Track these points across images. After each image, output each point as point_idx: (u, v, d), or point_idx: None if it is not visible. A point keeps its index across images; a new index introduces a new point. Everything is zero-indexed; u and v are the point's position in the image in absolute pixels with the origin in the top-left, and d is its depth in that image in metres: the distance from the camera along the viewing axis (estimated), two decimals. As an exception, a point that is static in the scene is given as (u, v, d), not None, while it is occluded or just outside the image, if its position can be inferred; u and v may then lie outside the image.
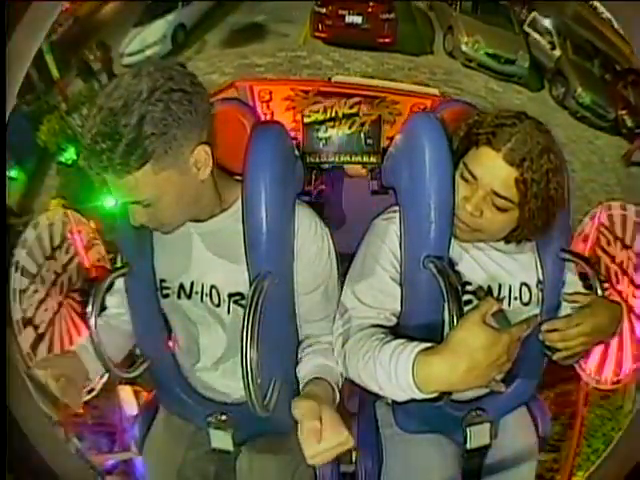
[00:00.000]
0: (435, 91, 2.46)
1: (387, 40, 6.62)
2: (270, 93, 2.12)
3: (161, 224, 0.93)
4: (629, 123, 6.41)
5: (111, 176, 0.82)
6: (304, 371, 1.02)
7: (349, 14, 6.51)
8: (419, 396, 0.81)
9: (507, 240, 1.03)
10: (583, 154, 5.83)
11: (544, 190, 0.92)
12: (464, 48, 6.66)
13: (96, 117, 0.79)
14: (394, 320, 1.02)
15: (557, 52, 6.92)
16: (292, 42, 6.72)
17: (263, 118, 2.01)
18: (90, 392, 1.30)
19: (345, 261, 1.10)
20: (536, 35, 7.13)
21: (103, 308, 1.16)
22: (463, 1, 7.09)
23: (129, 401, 1.77)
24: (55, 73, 5.32)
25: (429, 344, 0.82)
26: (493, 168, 0.92)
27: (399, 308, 1.02)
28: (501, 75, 6.55)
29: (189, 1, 6.72)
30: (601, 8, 7.38)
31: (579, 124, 6.32)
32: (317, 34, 6.65)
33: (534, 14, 7.28)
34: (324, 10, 6.54)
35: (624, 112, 6.47)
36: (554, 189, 0.93)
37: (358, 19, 6.51)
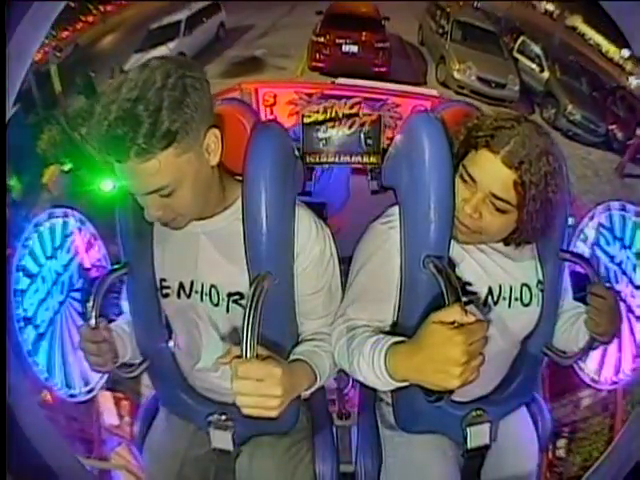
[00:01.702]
0: (434, 92, 2.48)
1: (382, 69, 6.86)
2: (274, 96, 2.12)
3: (177, 215, 0.90)
4: (620, 136, 6.54)
5: (133, 161, 0.79)
6: (292, 354, 1.01)
7: (346, 43, 6.78)
8: (394, 384, 0.85)
9: (507, 242, 1.01)
10: (578, 169, 5.94)
11: (543, 193, 0.91)
12: (456, 75, 6.86)
13: (110, 107, 0.78)
14: (387, 329, 1.01)
15: (546, 74, 7.10)
16: (290, 74, 6.96)
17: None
18: (89, 392, 1.30)
19: (345, 263, 1.09)
20: (525, 60, 7.35)
21: (120, 312, 1.16)
22: (453, 31, 7.34)
23: (109, 409, 1.70)
24: (58, 87, 5.36)
25: (403, 338, 0.85)
26: (492, 171, 0.91)
27: (392, 320, 1.02)
28: (493, 100, 6.67)
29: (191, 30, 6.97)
30: (588, 34, 7.57)
31: (572, 143, 6.42)
32: (315, 64, 6.89)
33: (522, 38, 7.51)
34: (322, 39, 6.83)
35: (614, 126, 6.62)
36: (552, 192, 0.92)
37: (354, 48, 6.77)
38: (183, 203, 0.89)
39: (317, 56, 6.85)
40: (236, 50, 7.48)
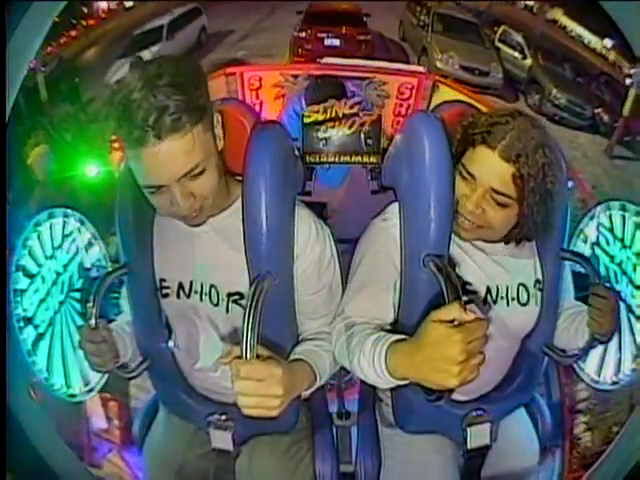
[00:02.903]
0: (421, 68, 2.48)
1: (365, 62, 6.87)
2: (260, 80, 2.09)
3: (203, 200, 0.90)
4: (606, 119, 6.57)
5: (170, 138, 0.80)
6: (292, 353, 1.01)
7: (328, 37, 6.76)
8: (394, 383, 0.85)
9: (507, 240, 1.02)
10: (566, 152, 5.99)
11: (541, 184, 0.92)
12: (439, 65, 6.83)
13: (130, 96, 0.78)
14: (387, 327, 1.01)
15: (528, 61, 7.12)
16: (273, 71, 7.03)
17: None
18: (89, 392, 1.29)
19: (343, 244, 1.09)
20: (507, 48, 7.35)
21: (119, 312, 1.16)
22: (434, 23, 7.35)
23: (97, 413, 1.64)
24: (44, 95, 5.42)
25: (404, 336, 0.85)
26: (490, 166, 0.93)
27: (392, 318, 1.02)
28: (477, 88, 6.61)
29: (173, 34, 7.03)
30: (569, 26, 7.62)
31: (559, 127, 6.42)
32: (297, 59, 6.81)
33: (503, 27, 7.53)
34: (304, 34, 6.79)
35: (600, 109, 6.64)
36: (551, 183, 0.93)
37: (336, 41, 6.76)
38: (211, 184, 0.89)
39: (299, 51, 6.79)
40: (218, 53, 7.48)
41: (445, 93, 2.14)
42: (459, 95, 2.01)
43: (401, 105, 2.14)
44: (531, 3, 8.50)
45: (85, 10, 8.15)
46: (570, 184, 1.13)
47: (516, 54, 7.28)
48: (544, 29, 7.83)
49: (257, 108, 2.06)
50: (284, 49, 7.00)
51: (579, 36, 7.92)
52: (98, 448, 1.60)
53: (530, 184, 0.91)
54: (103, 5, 8.35)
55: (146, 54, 6.48)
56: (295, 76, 2.05)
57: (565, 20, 8.02)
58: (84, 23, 8.03)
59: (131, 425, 1.39)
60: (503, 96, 6.76)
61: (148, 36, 6.97)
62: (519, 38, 7.38)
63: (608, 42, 7.39)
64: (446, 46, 6.97)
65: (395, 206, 1.05)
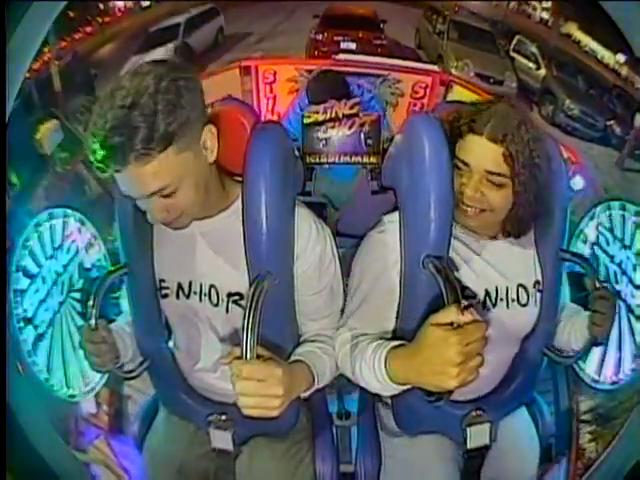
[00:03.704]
0: (435, 67, 2.48)
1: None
2: (274, 73, 2.08)
3: (181, 213, 0.90)
4: (618, 132, 6.61)
5: (133, 166, 0.79)
6: (293, 355, 1.02)
7: (344, 41, 6.81)
8: (395, 388, 0.87)
9: (506, 230, 1.02)
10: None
11: (528, 158, 0.95)
12: (454, 72, 6.81)
13: (106, 116, 0.77)
14: (388, 335, 1.02)
15: (542, 72, 7.19)
16: (289, 73, 7.13)
17: (265, 101, 1.98)
18: (89, 392, 1.29)
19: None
20: (521, 58, 7.42)
21: (119, 312, 1.16)
22: (450, 31, 7.43)
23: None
24: (58, 85, 5.42)
25: (404, 342, 0.86)
26: (481, 150, 0.96)
27: (392, 326, 1.03)
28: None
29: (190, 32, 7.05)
30: (583, 41, 7.69)
31: (572, 139, 6.44)
32: None
33: (518, 37, 7.60)
34: (320, 37, 6.85)
35: (612, 122, 6.70)
36: (538, 156, 0.97)
37: (352, 45, 6.79)
38: (186, 201, 0.88)
39: (315, 53, 6.83)
40: (234, 54, 7.52)
41: (459, 93, 2.12)
42: (473, 96, 2.00)
43: (415, 104, 2.13)
44: (546, 16, 8.60)
45: (101, 7, 8.16)
46: (582, 184, 1.13)
47: (530, 64, 7.34)
48: (558, 42, 7.93)
49: (270, 102, 2.05)
50: (300, 52, 7.06)
51: (593, 51, 8.04)
52: (85, 433, 1.58)
53: (520, 160, 0.94)
54: (119, 4, 8.36)
55: (162, 51, 6.51)
56: (309, 71, 2.04)
57: (579, 34, 8.14)
58: (100, 20, 8.06)
59: (121, 412, 1.39)
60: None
61: (164, 34, 6.99)
62: (533, 49, 7.46)
63: (621, 57, 7.46)
64: (461, 54, 7.03)
65: (391, 215, 1.05)
